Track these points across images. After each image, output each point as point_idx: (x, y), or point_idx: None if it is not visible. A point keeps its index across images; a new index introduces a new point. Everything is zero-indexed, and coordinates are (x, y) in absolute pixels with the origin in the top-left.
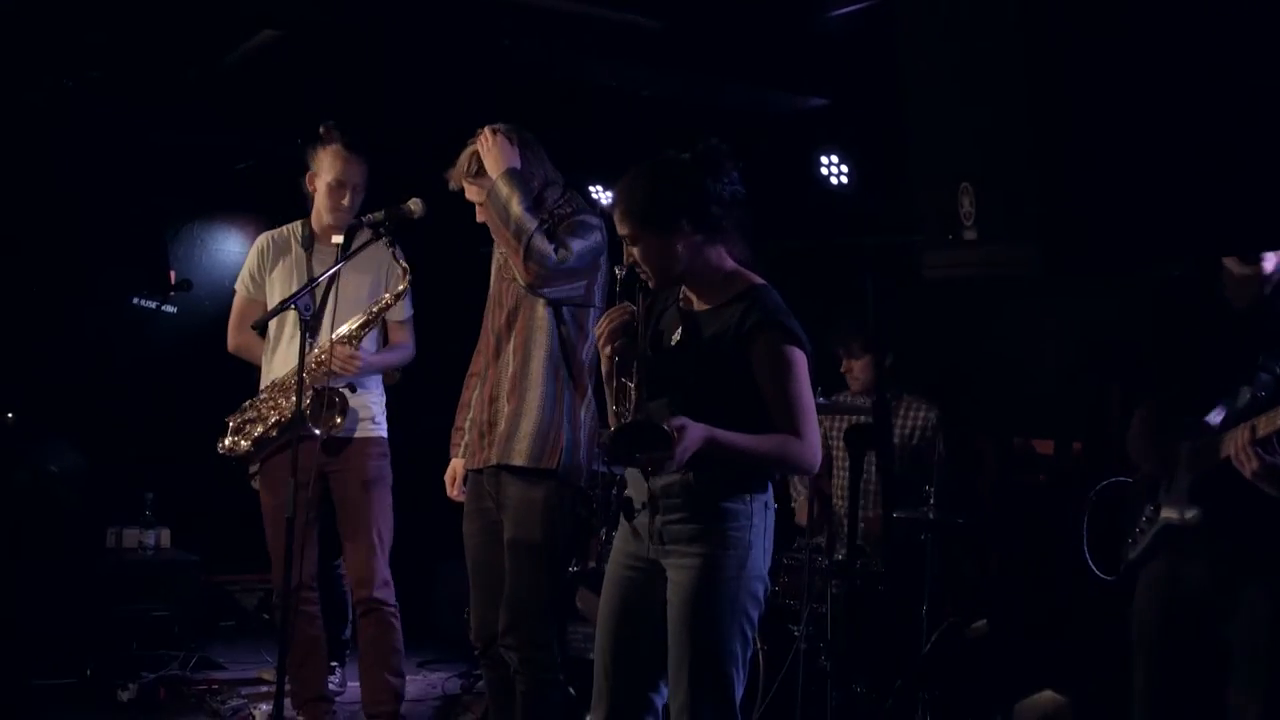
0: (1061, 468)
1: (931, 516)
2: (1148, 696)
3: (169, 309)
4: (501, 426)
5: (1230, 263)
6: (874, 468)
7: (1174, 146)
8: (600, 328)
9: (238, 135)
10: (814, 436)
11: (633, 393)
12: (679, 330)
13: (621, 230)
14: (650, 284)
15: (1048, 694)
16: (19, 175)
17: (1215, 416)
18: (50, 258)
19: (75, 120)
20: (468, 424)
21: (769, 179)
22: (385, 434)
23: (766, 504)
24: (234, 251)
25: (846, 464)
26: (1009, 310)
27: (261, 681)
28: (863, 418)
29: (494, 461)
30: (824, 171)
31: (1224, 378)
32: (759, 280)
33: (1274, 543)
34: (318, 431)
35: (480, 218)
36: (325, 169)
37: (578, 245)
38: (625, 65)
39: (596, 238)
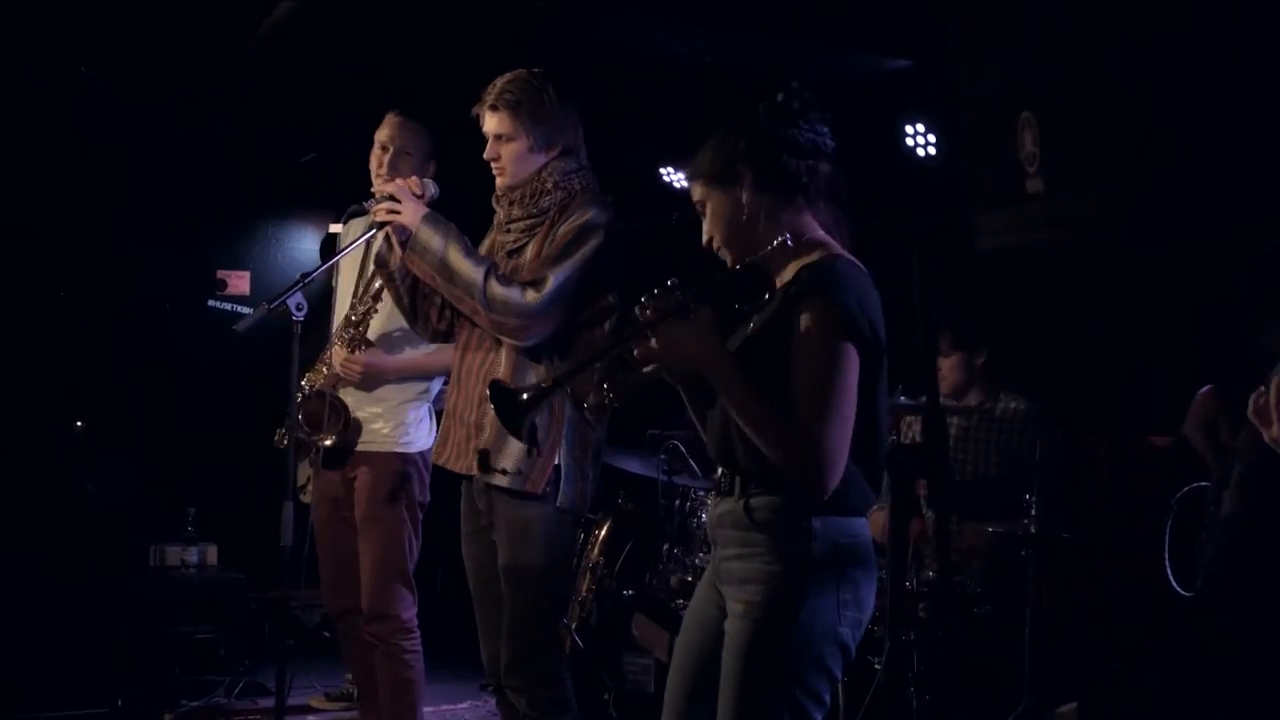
0: (1183, 468)
1: (1033, 530)
2: None
3: (245, 310)
4: (487, 433)
5: None
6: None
7: None
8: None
9: (296, 126)
10: (829, 446)
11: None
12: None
13: (694, 197)
14: (727, 260)
15: None
16: (75, 174)
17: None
18: (118, 257)
19: (109, 115)
20: (455, 419)
21: (847, 151)
22: (404, 449)
23: (837, 543)
24: (309, 249)
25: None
26: (1118, 291)
27: (310, 710)
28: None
29: (476, 474)
30: (910, 142)
31: None
32: (838, 250)
33: None
34: (308, 439)
35: (488, 154)
36: None
37: (558, 274)
38: (682, 29)
39: (592, 247)
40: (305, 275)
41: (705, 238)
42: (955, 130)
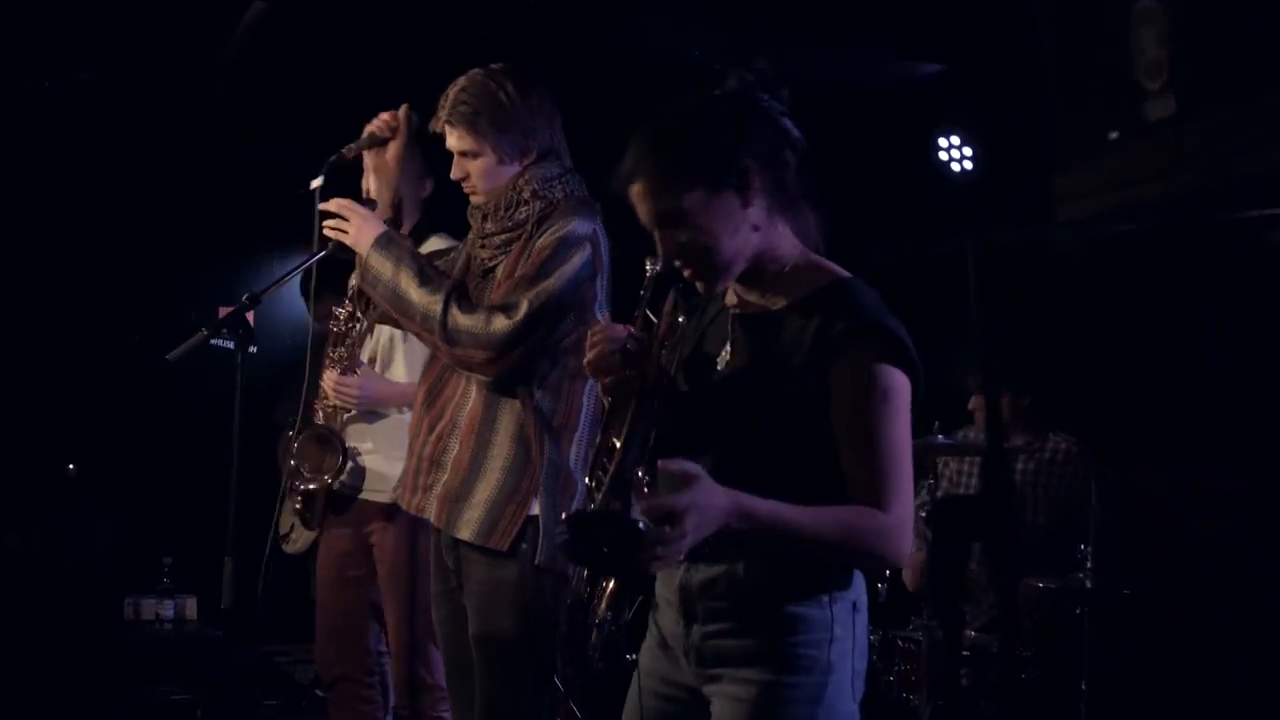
0: (1254, 513)
1: (1089, 585)
2: None
3: (250, 348)
4: (447, 476)
5: None
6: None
7: None
8: (588, 351)
9: (297, 153)
10: (906, 510)
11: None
12: (728, 345)
13: (647, 205)
14: (699, 284)
15: None
16: (64, 204)
17: None
18: (114, 294)
19: (98, 139)
20: (410, 452)
21: (875, 166)
22: None
23: (855, 605)
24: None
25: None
26: (1179, 317)
27: None
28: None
29: (430, 517)
30: (943, 156)
31: None
32: (845, 273)
33: None
34: (298, 483)
35: (455, 175)
36: None
37: (533, 296)
38: (690, 29)
39: (576, 263)
40: (251, 297)
41: (669, 261)
42: (995, 144)
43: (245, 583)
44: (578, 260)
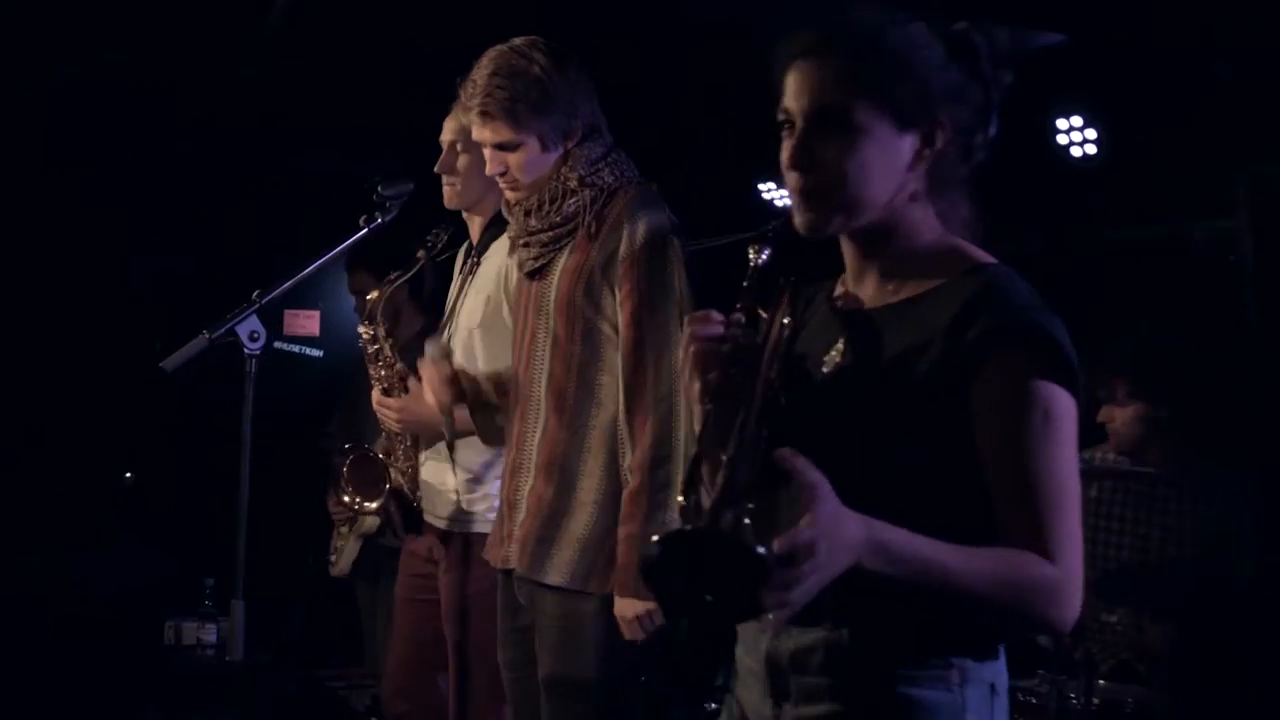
0: None
1: (1241, 631)
2: None
3: (314, 352)
4: (524, 517)
5: None
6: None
7: None
8: (684, 348)
9: (365, 150)
10: (1076, 561)
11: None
12: (839, 344)
13: (810, 94)
14: (801, 213)
15: None
16: (122, 203)
17: None
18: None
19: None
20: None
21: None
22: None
23: (994, 688)
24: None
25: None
26: None
27: None
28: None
29: (515, 567)
30: (1062, 139)
31: None
32: (990, 259)
33: None
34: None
35: (491, 170)
36: None
37: (671, 330)
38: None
39: (674, 261)
40: (261, 295)
41: (794, 158)
42: (1122, 125)
43: (295, 605)
44: (675, 259)
